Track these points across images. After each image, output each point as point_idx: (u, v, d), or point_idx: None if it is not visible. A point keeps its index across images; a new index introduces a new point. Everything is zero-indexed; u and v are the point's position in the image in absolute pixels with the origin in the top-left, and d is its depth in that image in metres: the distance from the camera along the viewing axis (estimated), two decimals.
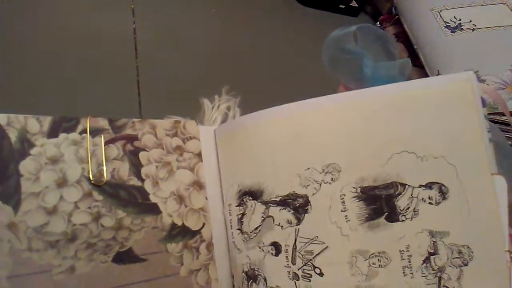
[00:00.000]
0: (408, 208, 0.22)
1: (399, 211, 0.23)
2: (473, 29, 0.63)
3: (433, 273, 0.21)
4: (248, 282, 0.27)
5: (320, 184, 0.25)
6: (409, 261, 0.22)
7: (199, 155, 0.32)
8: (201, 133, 0.32)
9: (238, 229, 0.28)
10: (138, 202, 0.28)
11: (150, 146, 0.30)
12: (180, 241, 0.29)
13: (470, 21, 0.64)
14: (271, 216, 0.26)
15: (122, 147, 0.29)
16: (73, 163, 0.27)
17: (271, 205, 0.27)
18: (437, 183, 0.22)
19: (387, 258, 0.22)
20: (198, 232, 0.30)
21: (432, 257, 0.22)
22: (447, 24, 0.64)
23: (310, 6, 0.77)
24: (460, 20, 0.64)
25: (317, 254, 0.24)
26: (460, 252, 0.21)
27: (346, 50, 0.29)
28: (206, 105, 0.36)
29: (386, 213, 0.23)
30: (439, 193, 0.22)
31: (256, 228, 0.27)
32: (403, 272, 0.22)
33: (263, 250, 0.26)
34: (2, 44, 0.48)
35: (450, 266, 0.21)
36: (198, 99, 0.41)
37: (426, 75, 0.62)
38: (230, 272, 0.29)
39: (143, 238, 0.28)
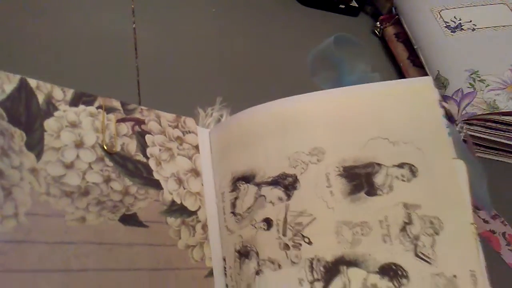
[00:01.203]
0: (384, 184, 0.26)
1: (377, 186, 0.26)
2: (473, 29, 0.63)
3: (409, 240, 0.25)
4: (240, 260, 0.29)
5: (307, 165, 0.28)
6: (388, 230, 0.25)
7: (196, 147, 0.35)
8: (198, 131, 0.35)
9: (231, 212, 0.30)
10: (143, 175, 0.31)
11: (155, 132, 0.33)
12: (178, 217, 0.31)
13: (470, 21, 0.64)
14: (263, 195, 0.29)
15: (131, 127, 0.32)
16: (89, 130, 0.30)
17: (263, 185, 0.29)
18: (408, 163, 0.26)
19: (368, 228, 0.25)
20: (194, 213, 0.32)
21: (407, 226, 0.25)
22: (447, 24, 0.64)
23: (310, 6, 0.77)
24: (460, 20, 0.64)
25: (306, 225, 0.27)
26: (431, 223, 0.25)
27: (327, 61, 0.33)
28: (200, 113, 0.39)
29: (366, 189, 0.26)
30: (409, 171, 0.26)
31: (249, 208, 0.29)
32: (383, 240, 0.25)
33: (255, 227, 0.29)
34: (1, 44, 0.48)
35: (424, 235, 0.25)
36: (198, 99, 0.41)
37: (426, 75, 0.62)
38: (222, 256, 0.31)
39: (147, 207, 0.30)
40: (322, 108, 0.29)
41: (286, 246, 0.27)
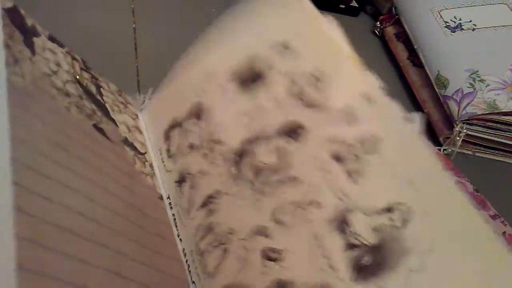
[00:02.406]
0: (264, 66, 0.30)
1: (259, 71, 0.30)
2: (473, 29, 0.63)
3: (296, 97, 0.27)
4: (180, 186, 0.32)
5: (205, 88, 0.33)
6: (276, 99, 0.28)
7: (136, 115, 0.40)
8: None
9: (168, 156, 0.34)
10: (104, 111, 0.35)
11: (106, 89, 0.38)
12: (132, 150, 0.35)
13: (470, 21, 0.64)
14: (185, 129, 0.33)
15: (90, 77, 0.37)
16: (63, 60, 0.35)
17: (183, 122, 0.33)
18: (280, 43, 0.30)
19: (260, 106, 0.29)
20: (144, 154, 0.37)
21: (292, 87, 0.28)
22: (447, 24, 0.64)
23: None
24: (460, 20, 0.64)
25: (214, 131, 0.31)
26: (312, 74, 0.27)
27: None
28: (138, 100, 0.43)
29: (251, 78, 0.30)
30: (282, 47, 0.29)
31: (179, 145, 0.33)
32: (275, 108, 0.28)
33: (185, 155, 0.32)
34: None
35: (307, 86, 0.27)
36: None
37: (426, 75, 0.62)
38: (166, 195, 0.34)
39: (111, 130, 0.34)
40: (207, 40, 0.35)
41: (205, 155, 0.31)
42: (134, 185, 0.33)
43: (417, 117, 0.23)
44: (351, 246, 0.22)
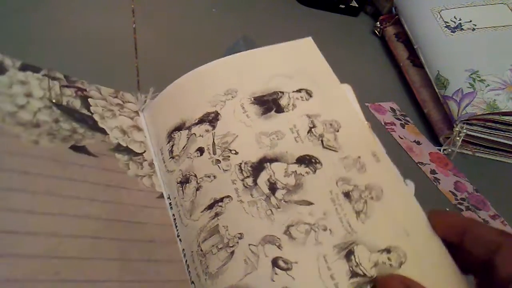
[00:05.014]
0: (288, 104, 0.33)
1: (283, 106, 0.33)
2: (473, 29, 0.63)
3: (316, 138, 0.31)
4: (182, 187, 0.33)
5: (225, 102, 0.34)
6: (298, 133, 0.31)
7: (136, 112, 0.39)
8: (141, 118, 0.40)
9: (170, 157, 0.35)
10: (89, 123, 0.36)
11: (96, 98, 0.38)
12: (126, 154, 0.36)
13: (470, 21, 0.64)
14: (193, 133, 0.34)
15: (75, 92, 0.37)
16: (36, 87, 0.35)
17: (192, 126, 0.35)
18: (304, 89, 0.33)
19: (282, 134, 0.32)
20: (141, 154, 0.37)
21: (313, 129, 0.31)
22: (447, 24, 0.64)
23: (310, 6, 0.77)
24: (460, 20, 0.64)
25: (231, 142, 0.32)
26: (331, 124, 0.31)
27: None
28: (139, 99, 0.43)
29: (274, 109, 0.33)
30: (306, 94, 0.33)
31: (184, 147, 0.34)
32: (295, 140, 0.31)
33: (190, 158, 0.34)
34: (1, 44, 0.48)
35: (327, 133, 0.31)
36: None
37: (426, 75, 0.62)
38: (166, 195, 0.35)
39: (94, 144, 0.34)
40: (231, 63, 0.36)
41: (218, 161, 0.32)
42: (123, 195, 0.33)
43: (411, 183, 0.30)
44: (354, 274, 0.26)
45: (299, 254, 0.27)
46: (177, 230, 0.33)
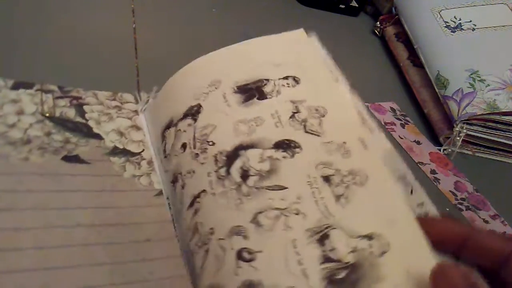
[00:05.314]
0: (273, 91, 0.31)
1: (266, 93, 0.31)
2: (473, 29, 0.63)
3: (298, 123, 0.29)
4: (174, 187, 0.33)
5: (208, 93, 0.33)
6: (279, 119, 0.30)
7: (135, 112, 0.39)
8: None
9: (164, 156, 0.34)
10: (83, 131, 0.36)
11: (92, 103, 0.38)
12: (122, 157, 0.35)
13: (470, 21, 0.64)
14: (179, 129, 0.33)
15: (69, 101, 0.37)
16: (28, 103, 0.35)
17: (178, 122, 0.34)
18: (291, 76, 0.32)
19: (261, 120, 0.30)
20: (139, 153, 0.36)
21: (296, 114, 0.30)
22: (447, 24, 0.64)
23: (310, 6, 0.77)
24: (460, 20, 0.64)
25: (210, 133, 0.31)
26: (317, 110, 0.30)
27: None
28: (142, 98, 0.42)
29: (257, 96, 0.31)
30: (293, 81, 0.32)
31: (173, 145, 0.34)
32: (276, 126, 0.29)
33: (176, 155, 0.33)
34: (2, 43, 0.48)
35: (311, 118, 0.29)
36: None
37: (426, 75, 0.62)
38: (166, 196, 0.35)
39: (89, 151, 0.34)
40: (218, 56, 0.35)
41: (196, 155, 0.31)
42: (118, 199, 0.33)
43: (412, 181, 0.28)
44: (327, 259, 0.24)
45: (264, 242, 0.26)
46: (175, 230, 0.33)
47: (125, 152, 0.36)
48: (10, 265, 0.26)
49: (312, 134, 0.29)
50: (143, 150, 0.37)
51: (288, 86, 0.32)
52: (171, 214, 0.34)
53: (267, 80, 0.32)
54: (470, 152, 0.57)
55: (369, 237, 0.24)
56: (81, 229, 0.30)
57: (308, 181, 0.27)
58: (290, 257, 0.25)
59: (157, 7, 0.65)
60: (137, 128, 0.39)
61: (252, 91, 0.32)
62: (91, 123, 0.37)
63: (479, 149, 0.58)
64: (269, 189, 0.27)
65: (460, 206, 0.49)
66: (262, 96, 0.32)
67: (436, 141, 0.58)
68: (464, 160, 0.56)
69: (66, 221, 0.29)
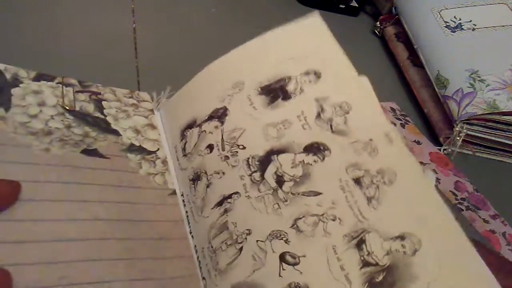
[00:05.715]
0: (296, 89, 0.32)
1: (290, 92, 0.32)
2: (473, 29, 0.63)
3: (325, 122, 0.30)
4: (194, 184, 0.34)
5: (232, 95, 0.34)
6: (305, 120, 0.30)
7: (151, 111, 0.39)
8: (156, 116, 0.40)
9: (183, 155, 0.35)
10: (102, 126, 0.36)
11: (110, 99, 0.38)
12: (138, 154, 0.36)
13: (470, 21, 0.64)
14: (204, 130, 0.34)
15: (88, 96, 0.37)
16: (50, 95, 0.35)
17: (202, 123, 0.35)
18: (313, 70, 0.32)
19: (289, 123, 0.31)
20: (154, 152, 0.37)
21: (321, 113, 0.30)
22: (447, 24, 0.64)
23: (310, 6, 0.77)
24: (460, 20, 0.64)
25: (239, 137, 0.32)
26: (340, 107, 0.30)
27: None
28: (154, 98, 0.43)
29: (281, 96, 0.32)
30: (315, 75, 0.32)
31: (195, 144, 0.35)
32: (303, 128, 0.30)
33: (201, 155, 0.34)
34: (2, 43, 0.48)
35: (336, 117, 0.30)
36: None
37: (426, 75, 0.62)
38: (180, 192, 0.35)
39: (107, 146, 0.35)
40: (239, 54, 0.36)
41: (226, 157, 0.32)
42: (134, 195, 0.33)
43: (431, 173, 0.27)
44: (366, 264, 0.24)
45: (307, 247, 0.27)
46: (189, 227, 0.33)
47: (141, 150, 0.36)
48: (27, 257, 0.26)
49: (338, 134, 0.29)
50: (158, 149, 0.37)
51: (310, 83, 0.32)
52: (186, 211, 0.34)
53: (289, 77, 0.33)
54: (470, 152, 0.57)
55: (401, 237, 0.24)
56: (99, 223, 0.30)
57: (341, 185, 0.27)
58: (332, 262, 0.25)
59: (157, 7, 0.65)
60: (153, 127, 0.39)
61: (276, 92, 0.33)
62: (109, 119, 0.37)
63: (479, 149, 0.58)
64: (305, 195, 0.28)
65: (460, 206, 0.49)
66: (286, 95, 0.32)
67: (436, 141, 0.58)
68: (464, 160, 0.56)
69: (84, 214, 0.29)
